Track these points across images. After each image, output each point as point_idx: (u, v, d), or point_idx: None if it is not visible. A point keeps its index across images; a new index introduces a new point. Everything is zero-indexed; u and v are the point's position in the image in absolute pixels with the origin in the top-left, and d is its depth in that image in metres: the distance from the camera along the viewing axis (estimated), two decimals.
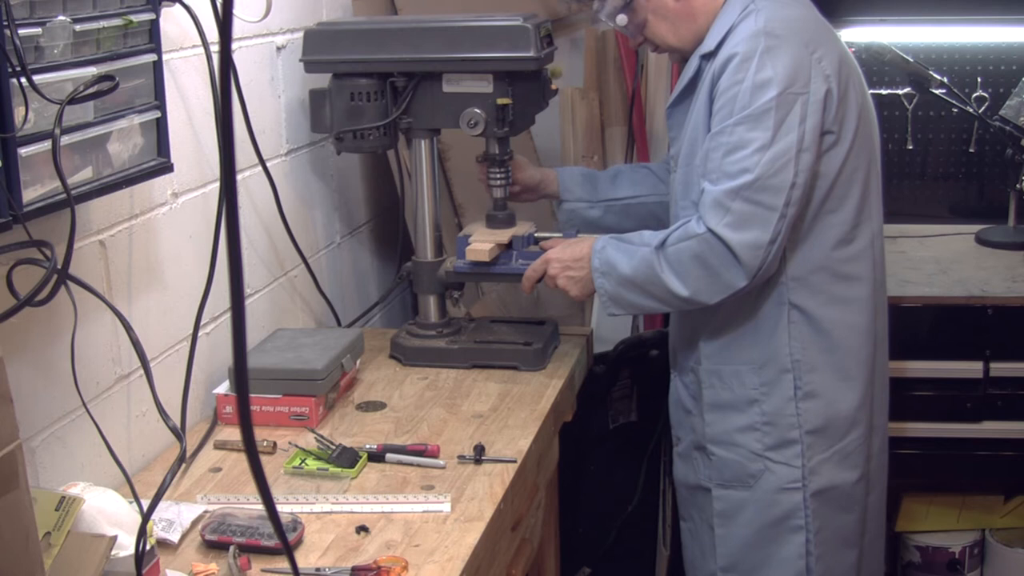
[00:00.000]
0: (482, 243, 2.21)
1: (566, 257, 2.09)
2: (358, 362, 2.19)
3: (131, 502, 1.52)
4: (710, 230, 1.88)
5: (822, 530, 2.03)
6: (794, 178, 1.86)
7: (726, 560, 2.11)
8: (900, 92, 3.05)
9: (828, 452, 2.02)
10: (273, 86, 2.28)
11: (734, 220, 1.86)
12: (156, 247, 1.87)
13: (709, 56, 1.96)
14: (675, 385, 2.20)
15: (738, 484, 2.06)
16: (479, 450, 1.84)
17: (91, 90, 1.48)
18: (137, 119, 1.65)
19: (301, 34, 2.25)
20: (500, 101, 2.14)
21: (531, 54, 2.12)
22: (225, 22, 0.79)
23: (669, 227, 1.99)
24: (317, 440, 1.88)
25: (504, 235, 2.24)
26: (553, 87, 2.27)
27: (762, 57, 1.85)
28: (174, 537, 1.58)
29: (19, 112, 1.38)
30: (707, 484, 2.11)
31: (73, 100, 1.45)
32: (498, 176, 2.25)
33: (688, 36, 2.03)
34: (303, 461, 1.82)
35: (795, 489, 2.01)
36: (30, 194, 1.43)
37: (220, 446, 1.91)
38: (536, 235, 2.25)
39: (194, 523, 1.62)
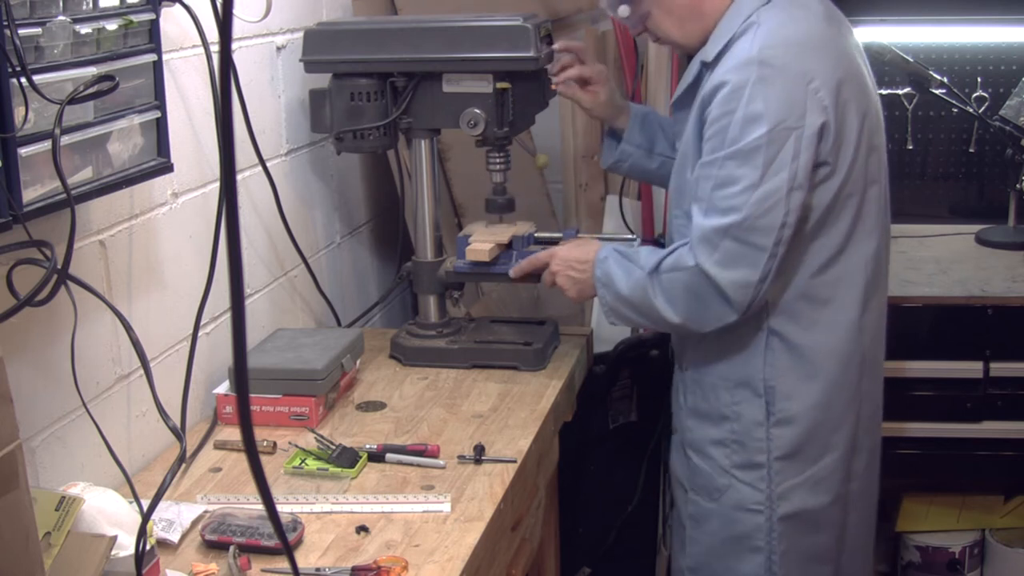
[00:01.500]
0: (482, 243, 2.21)
1: (571, 257, 2.07)
2: (358, 362, 2.19)
3: (131, 502, 1.52)
4: (699, 265, 1.85)
5: (789, 551, 2.01)
6: (784, 218, 1.80)
7: (692, 561, 2.12)
8: (900, 92, 3.05)
9: (800, 477, 1.97)
10: (273, 86, 2.28)
11: (722, 258, 1.83)
12: (156, 247, 1.87)
13: (708, 65, 1.92)
14: (675, 377, 2.20)
15: (705, 494, 2.06)
16: (479, 450, 1.84)
17: (91, 90, 1.48)
18: (137, 119, 1.65)
19: (301, 34, 2.25)
20: (500, 85, 2.14)
21: (531, 54, 2.12)
22: (225, 22, 0.79)
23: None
24: (317, 440, 1.88)
25: (504, 235, 2.24)
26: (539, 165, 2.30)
27: (753, 88, 1.78)
28: (174, 537, 1.58)
29: (19, 112, 1.38)
30: (684, 484, 2.13)
31: (73, 100, 1.45)
32: (498, 160, 2.25)
33: (695, 33, 1.96)
34: (303, 461, 1.82)
35: (757, 511, 1.99)
36: (30, 194, 1.43)
37: (220, 446, 1.91)
38: (536, 235, 2.25)
39: (194, 523, 1.62)
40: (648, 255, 1.96)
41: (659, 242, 2.64)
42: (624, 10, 2.00)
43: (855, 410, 2.00)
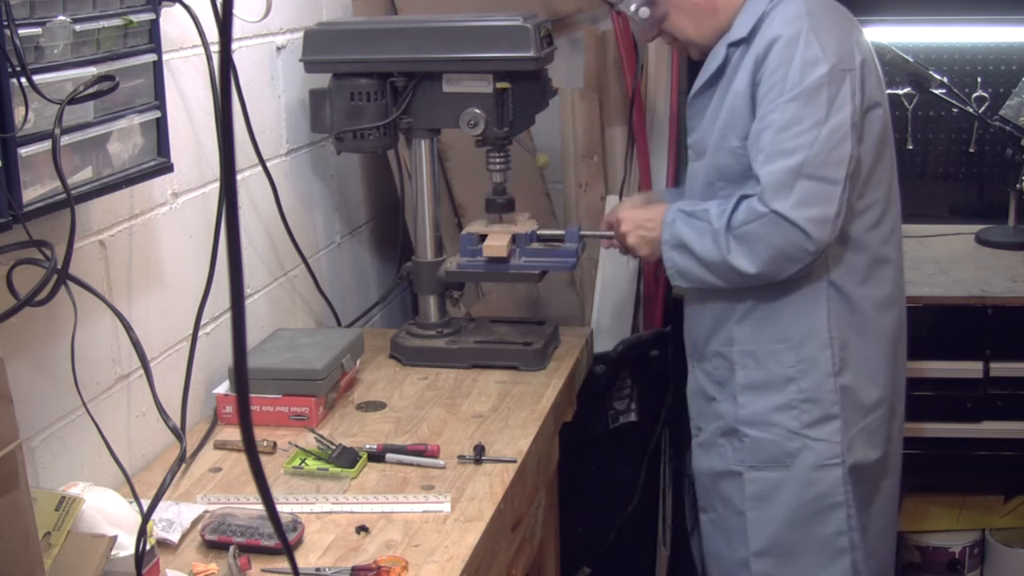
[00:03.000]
0: (499, 239, 2.21)
1: (639, 217, 2.11)
2: (358, 362, 2.19)
3: (131, 502, 1.52)
4: (775, 211, 1.89)
5: (860, 506, 2.05)
6: (852, 150, 1.89)
7: (760, 544, 2.09)
8: (900, 92, 3.04)
9: (855, 429, 2.03)
10: (273, 86, 2.28)
11: (800, 199, 1.88)
12: (156, 247, 1.87)
13: (738, 43, 1.98)
14: (694, 375, 2.19)
15: (773, 465, 2.06)
16: (479, 450, 1.84)
17: (91, 90, 1.48)
18: (137, 119, 1.65)
19: (301, 34, 2.26)
20: (500, 86, 2.14)
21: (531, 54, 2.13)
22: (225, 22, 0.79)
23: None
24: (317, 440, 1.88)
25: (509, 232, 2.24)
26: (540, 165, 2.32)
27: (808, 35, 1.89)
28: (174, 537, 1.58)
29: (19, 112, 1.38)
30: (738, 468, 2.09)
31: (73, 100, 1.45)
32: (498, 160, 2.25)
33: (709, 31, 2.05)
34: (303, 461, 1.82)
35: (835, 465, 2.02)
36: (30, 194, 1.43)
37: (220, 446, 1.91)
38: (539, 232, 2.25)
39: (194, 523, 1.62)
40: (717, 212, 1.97)
41: None
42: (644, 12, 2.07)
43: (894, 370, 2.10)
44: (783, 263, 1.94)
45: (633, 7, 2.07)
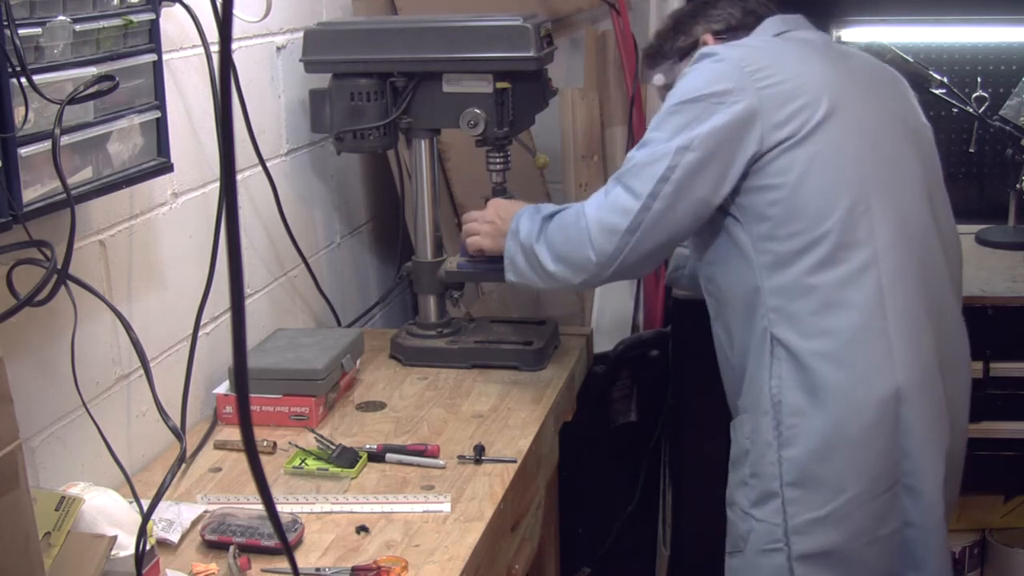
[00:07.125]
0: None
1: (500, 206, 2.11)
2: (358, 362, 2.19)
3: (131, 502, 1.52)
4: (582, 206, 1.85)
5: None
6: (667, 172, 1.76)
7: None
8: None
9: (822, 511, 1.73)
10: (273, 86, 2.28)
11: (604, 202, 1.83)
12: (156, 247, 1.87)
13: None
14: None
15: (733, 550, 1.86)
16: (479, 450, 1.84)
17: (91, 90, 1.48)
18: (137, 119, 1.65)
19: (301, 34, 2.26)
20: (500, 85, 2.14)
21: (531, 54, 2.13)
22: (225, 22, 0.79)
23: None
24: (317, 440, 1.88)
25: None
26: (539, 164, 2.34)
27: (692, 71, 1.84)
28: (174, 537, 1.58)
29: (19, 112, 1.38)
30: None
31: (73, 100, 1.45)
32: (498, 160, 2.26)
33: None
34: (303, 461, 1.82)
35: (776, 551, 1.76)
36: (30, 194, 1.43)
37: (220, 446, 1.91)
38: None
39: (194, 523, 1.62)
40: (555, 207, 1.95)
41: None
42: (659, 79, 2.06)
43: (886, 437, 1.74)
44: (570, 268, 1.86)
45: (648, 78, 2.09)
